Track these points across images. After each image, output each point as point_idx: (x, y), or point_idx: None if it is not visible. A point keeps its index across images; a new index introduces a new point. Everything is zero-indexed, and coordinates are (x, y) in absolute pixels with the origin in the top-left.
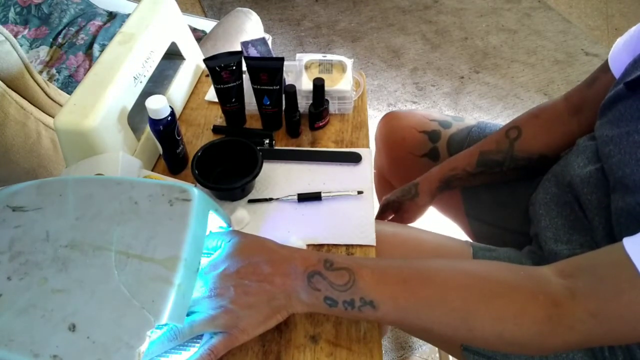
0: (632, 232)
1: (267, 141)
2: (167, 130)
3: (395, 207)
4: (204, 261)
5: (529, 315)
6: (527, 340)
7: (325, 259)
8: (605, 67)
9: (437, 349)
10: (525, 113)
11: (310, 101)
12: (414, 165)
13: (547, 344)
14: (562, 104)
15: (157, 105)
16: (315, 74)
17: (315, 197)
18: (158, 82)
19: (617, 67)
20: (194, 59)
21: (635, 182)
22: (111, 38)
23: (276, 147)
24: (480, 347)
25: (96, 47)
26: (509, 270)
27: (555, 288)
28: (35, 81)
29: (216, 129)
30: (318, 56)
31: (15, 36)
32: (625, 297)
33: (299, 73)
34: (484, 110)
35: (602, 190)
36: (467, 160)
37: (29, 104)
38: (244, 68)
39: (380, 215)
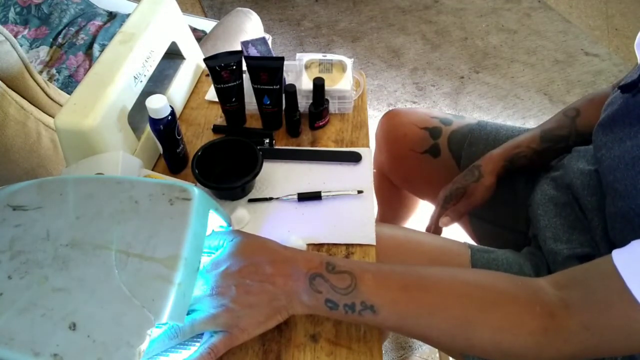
0: (626, 237)
1: (267, 141)
2: (167, 129)
3: (459, 194)
4: (205, 260)
5: (526, 326)
6: (523, 351)
7: (327, 262)
8: None
9: (437, 349)
10: (579, 99)
11: (310, 101)
12: (415, 162)
13: (543, 355)
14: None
15: (158, 105)
16: (315, 73)
17: (315, 196)
18: (158, 81)
19: None
20: (194, 59)
21: (626, 187)
22: (111, 38)
23: (276, 147)
24: (479, 356)
25: (96, 47)
26: (507, 281)
27: (551, 299)
28: (35, 81)
29: (216, 129)
30: (318, 56)
31: (15, 36)
32: (615, 310)
33: (299, 72)
34: (484, 110)
35: (601, 192)
36: (530, 139)
37: (29, 104)
38: (244, 68)
39: (443, 207)
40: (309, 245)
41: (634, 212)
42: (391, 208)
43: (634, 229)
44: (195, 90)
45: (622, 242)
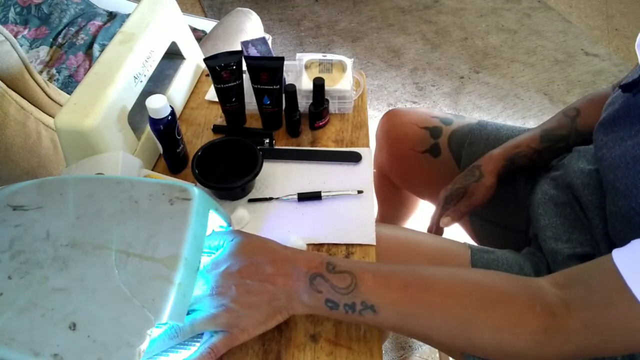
0: (626, 236)
1: (267, 140)
2: (167, 129)
3: (460, 194)
4: (205, 260)
5: (527, 326)
6: (524, 351)
7: (327, 262)
8: None
9: (437, 349)
10: (580, 99)
11: (311, 101)
12: (415, 161)
13: (543, 355)
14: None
15: (158, 105)
16: (315, 73)
17: (315, 196)
18: (158, 81)
19: None
20: (194, 59)
21: (627, 186)
22: (111, 38)
23: (276, 147)
24: (479, 356)
25: (96, 47)
26: (508, 280)
27: (552, 299)
28: (35, 81)
29: (216, 129)
30: (318, 56)
31: (15, 36)
32: (615, 309)
33: (299, 72)
34: (484, 110)
35: (602, 191)
36: (530, 138)
37: (29, 104)
38: (244, 67)
39: (444, 207)
40: (309, 245)
41: (635, 211)
42: (391, 208)
43: (634, 228)
44: (195, 90)
45: (623, 241)
